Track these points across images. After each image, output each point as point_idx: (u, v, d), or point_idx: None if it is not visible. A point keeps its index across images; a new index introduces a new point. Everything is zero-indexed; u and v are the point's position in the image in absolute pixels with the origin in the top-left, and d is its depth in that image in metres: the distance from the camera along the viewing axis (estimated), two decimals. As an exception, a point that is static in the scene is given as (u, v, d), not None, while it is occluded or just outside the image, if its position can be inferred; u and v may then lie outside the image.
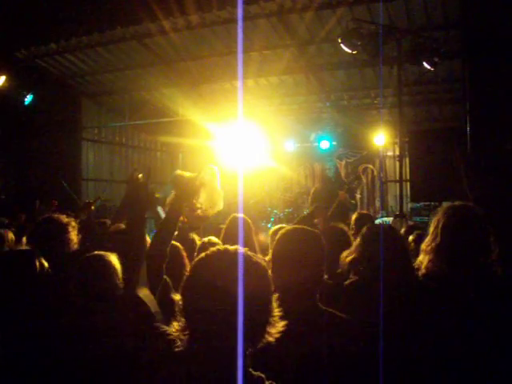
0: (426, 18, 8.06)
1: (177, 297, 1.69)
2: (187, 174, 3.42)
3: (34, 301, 2.53)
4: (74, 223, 3.56)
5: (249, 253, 1.71)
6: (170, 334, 1.74)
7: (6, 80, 8.95)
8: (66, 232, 3.45)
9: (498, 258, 2.66)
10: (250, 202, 12.20)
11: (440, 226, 2.72)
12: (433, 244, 2.71)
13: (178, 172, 4.22)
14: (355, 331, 2.28)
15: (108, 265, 2.73)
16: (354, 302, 2.72)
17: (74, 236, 3.49)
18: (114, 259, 2.78)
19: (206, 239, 4.19)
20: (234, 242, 1.85)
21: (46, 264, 2.75)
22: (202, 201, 4.56)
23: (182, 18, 8.38)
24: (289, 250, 2.37)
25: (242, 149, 10.02)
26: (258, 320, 1.63)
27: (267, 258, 2.69)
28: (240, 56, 8.42)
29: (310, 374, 2.12)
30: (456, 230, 2.67)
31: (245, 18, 8.17)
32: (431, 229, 2.78)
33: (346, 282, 3.03)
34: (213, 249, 1.73)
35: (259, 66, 9.86)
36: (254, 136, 10.77)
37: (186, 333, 1.64)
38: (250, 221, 4.34)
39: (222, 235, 4.36)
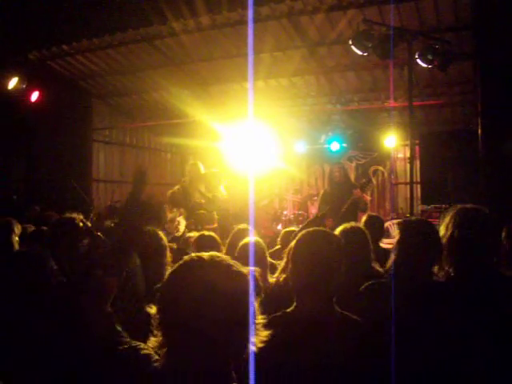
0: (437, 20, 8.03)
1: (152, 310, 1.59)
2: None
3: (45, 303, 2.54)
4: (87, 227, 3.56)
5: (228, 260, 1.60)
6: (144, 349, 1.66)
7: (18, 81, 9.01)
8: (79, 236, 3.46)
9: (507, 258, 2.66)
10: (260, 203, 12.20)
11: (450, 226, 2.72)
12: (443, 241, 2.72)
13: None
14: (369, 335, 2.28)
15: None
16: (371, 305, 2.72)
17: (84, 239, 3.50)
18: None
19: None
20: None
21: (54, 266, 2.77)
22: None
23: (193, 19, 8.41)
24: (307, 252, 2.38)
25: (252, 150, 10.02)
26: (239, 331, 1.52)
27: (283, 261, 2.70)
28: (250, 57, 8.44)
29: (322, 376, 2.13)
30: (465, 231, 2.66)
31: (255, 20, 8.18)
32: (441, 229, 2.78)
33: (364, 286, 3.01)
34: (186, 257, 1.63)
35: (269, 68, 9.87)
36: (264, 137, 10.77)
37: (164, 349, 1.56)
38: (263, 244, 4.14)
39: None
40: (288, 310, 2.38)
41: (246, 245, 4.03)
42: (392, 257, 2.92)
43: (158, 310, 1.56)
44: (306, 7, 7.97)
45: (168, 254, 3.48)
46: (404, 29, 7.26)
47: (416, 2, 7.63)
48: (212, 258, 1.58)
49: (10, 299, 2.59)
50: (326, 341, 2.18)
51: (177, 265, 1.61)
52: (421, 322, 2.52)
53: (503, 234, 3.36)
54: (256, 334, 1.58)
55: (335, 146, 12.28)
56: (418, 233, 2.78)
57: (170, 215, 9.48)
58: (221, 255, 1.62)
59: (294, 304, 2.38)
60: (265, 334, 1.60)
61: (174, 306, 1.51)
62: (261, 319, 1.62)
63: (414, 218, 3.84)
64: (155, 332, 1.56)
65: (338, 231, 3.32)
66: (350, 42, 7.22)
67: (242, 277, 1.58)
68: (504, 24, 6.84)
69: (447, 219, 2.77)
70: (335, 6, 7.84)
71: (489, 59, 7.32)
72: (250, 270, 1.63)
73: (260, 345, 1.58)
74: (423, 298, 2.60)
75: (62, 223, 3.49)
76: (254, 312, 1.59)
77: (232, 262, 1.61)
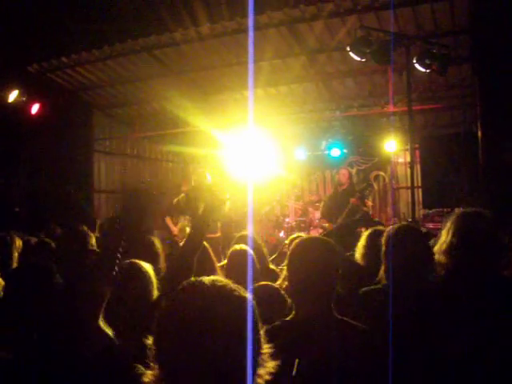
0: (434, 25, 8.06)
1: (149, 340, 1.45)
2: (207, 182, 3.41)
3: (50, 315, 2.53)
4: (93, 241, 3.60)
5: (230, 285, 1.48)
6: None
7: (18, 94, 9.05)
8: (86, 249, 3.49)
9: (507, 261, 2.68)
10: (261, 211, 12.22)
11: (451, 231, 2.74)
12: (444, 246, 2.73)
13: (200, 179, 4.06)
14: (368, 340, 2.29)
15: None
16: (370, 311, 2.74)
17: (92, 251, 3.53)
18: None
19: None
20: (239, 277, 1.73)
21: (59, 280, 2.77)
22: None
23: (193, 28, 8.44)
24: (303, 259, 2.40)
25: (253, 158, 10.04)
26: (241, 363, 1.37)
27: (283, 266, 2.71)
28: (251, 66, 8.46)
29: (322, 382, 2.13)
30: (466, 234, 2.68)
31: (254, 28, 8.22)
32: (443, 234, 2.80)
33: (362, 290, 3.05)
34: (185, 283, 1.51)
35: (269, 76, 9.89)
36: (265, 145, 10.79)
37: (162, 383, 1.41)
38: (251, 252, 4.13)
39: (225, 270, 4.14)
40: (287, 318, 2.39)
41: (235, 252, 4.06)
42: (384, 263, 2.96)
43: (154, 341, 1.43)
44: (304, 15, 8.00)
45: (162, 260, 3.52)
46: (402, 34, 7.31)
47: (413, 8, 7.67)
48: (213, 284, 1.46)
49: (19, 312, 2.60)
50: (325, 347, 2.19)
51: (175, 291, 1.50)
52: (419, 327, 2.53)
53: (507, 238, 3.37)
54: (263, 366, 1.47)
55: (336, 152, 12.28)
56: (408, 239, 2.83)
57: (179, 224, 9.51)
58: (222, 280, 1.51)
59: (293, 312, 2.39)
60: (272, 364, 1.49)
61: (172, 338, 1.40)
62: (267, 349, 1.50)
63: (403, 224, 3.87)
64: (151, 364, 1.42)
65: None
66: (349, 49, 7.26)
67: (245, 304, 1.45)
68: (501, 27, 6.87)
69: (448, 224, 2.79)
70: (333, 13, 7.87)
71: (487, 62, 7.35)
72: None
73: (267, 377, 1.47)
74: (420, 303, 2.62)
75: (70, 237, 3.52)
76: (260, 341, 1.48)
77: (234, 286, 1.49)
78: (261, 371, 1.45)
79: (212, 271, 3.73)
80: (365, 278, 3.28)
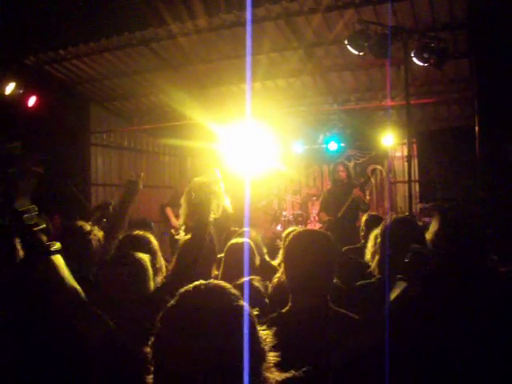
0: (432, 18, 8.05)
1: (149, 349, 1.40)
2: (202, 181, 3.40)
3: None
4: (96, 232, 3.60)
5: (232, 292, 1.44)
6: None
7: (15, 87, 9.01)
8: (89, 242, 3.49)
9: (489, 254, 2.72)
10: (258, 205, 12.23)
11: (435, 223, 2.79)
12: (429, 236, 2.78)
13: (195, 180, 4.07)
14: (365, 331, 2.30)
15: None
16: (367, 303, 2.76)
17: (96, 245, 3.53)
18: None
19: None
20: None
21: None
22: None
23: (190, 21, 8.41)
24: (299, 251, 2.41)
25: (250, 151, 10.03)
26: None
27: (278, 260, 2.72)
28: (248, 59, 8.45)
29: (319, 374, 2.14)
30: (450, 229, 2.71)
31: (252, 22, 8.20)
32: (431, 226, 2.84)
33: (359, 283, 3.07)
34: (182, 290, 1.45)
35: (266, 69, 9.88)
36: (262, 139, 10.79)
37: None
38: (252, 244, 4.15)
39: (221, 266, 4.13)
40: (283, 310, 2.40)
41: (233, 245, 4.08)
42: (379, 255, 2.97)
43: (152, 356, 1.39)
44: (302, 8, 7.98)
45: (159, 256, 3.51)
46: (400, 27, 7.29)
47: (411, 1, 7.65)
48: (212, 287, 1.43)
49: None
50: (321, 338, 2.20)
51: (172, 301, 1.45)
52: (412, 320, 2.55)
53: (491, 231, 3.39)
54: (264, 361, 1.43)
55: (333, 146, 12.29)
56: (400, 232, 2.85)
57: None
58: (221, 284, 1.47)
59: (289, 304, 2.40)
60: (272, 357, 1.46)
61: (168, 352, 1.34)
62: (272, 357, 1.46)
63: (400, 216, 3.87)
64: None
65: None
66: (346, 42, 7.25)
67: (248, 317, 1.39)
68: (499, 21, 6.87)
69: (435, 217, 2.83)
70: (331, 7, 7.85)
71: (484, 57, 7.35)
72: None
73: (272, 373, 1.43)
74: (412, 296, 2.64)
75: (71, 230, 3.53)
76: (265, 353, 1.44)
77: (234, 292, 1.44)
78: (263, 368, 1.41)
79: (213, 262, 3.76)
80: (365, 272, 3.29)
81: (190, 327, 1.32)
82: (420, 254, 2.42)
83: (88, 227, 3.56)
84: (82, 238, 3.47)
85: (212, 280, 1.51)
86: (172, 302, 1.44)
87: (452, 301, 2.53)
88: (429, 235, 2.83)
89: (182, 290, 1.46)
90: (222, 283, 1.49)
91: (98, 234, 3.61)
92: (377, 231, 3.86)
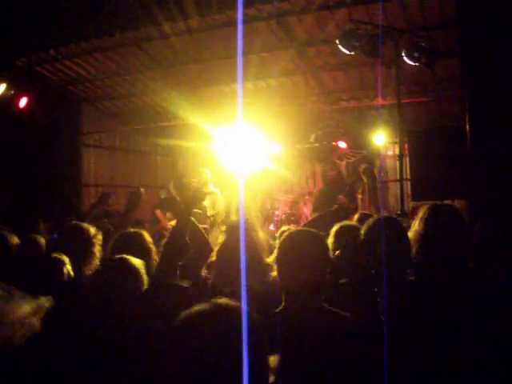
0: (423, 18, 8.08)
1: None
2: (189, 181, 3.50)
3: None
4: (99, 236, 3.61)
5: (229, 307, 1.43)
6: None
7: (6, 88, 8.97)
8: (92, 244, 3.51)
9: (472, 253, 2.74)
10: (251, 204, 12.20)
11: (418, 222, 2.80)
12: (411, 235, 2.80)
13: (180, 178, 4.15)
14: (358, 330, 2.31)
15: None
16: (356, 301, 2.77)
17: (98, 248, 3.54)
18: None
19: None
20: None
21: (72, 273, 2.79)
22: (207, 205, 4.58)
23: (182, 21, 8.40)
24: (292, 251, 2.42)
25: (243, 151, 10.02)
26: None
27: (271, 259, 2.73)
28: (240, 59, 8.44)
29: (313, 373, 2.15)
30: (431, 227, 2.73)
31: (243, 21, 8.18)
32: (413, 225, 2.86)
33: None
34: (196, 308, 1.44)
35: (258, 69, 9.88)
36: (254, 138, 10.77)
37: None
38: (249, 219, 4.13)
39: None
40: (277, 310, 2.40)
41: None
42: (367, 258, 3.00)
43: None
44: (293, 8, 7.99)
45: (154, 254, 3.51)
46: (391, 26, 7.31)
47: (402, 1, 7.67)
48: (233, 309, 1.41)
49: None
50: (314, 338, 2.21)
51: (183, 315, 1.44)
52: (402, 319, 2.57)
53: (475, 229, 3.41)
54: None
55: (325, 146, 12.28)
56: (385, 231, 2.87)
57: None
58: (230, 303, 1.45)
59: (283, 304, 2.40)
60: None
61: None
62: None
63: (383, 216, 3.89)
64: None
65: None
66: (338, 42, 7.27)
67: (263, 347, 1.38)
68: (490, 20, 6.89)
69: (419, 215, 2.84)
70: (322, 6, 7.86)
71: (475, 55, 7.37)
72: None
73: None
74: (399, 297, 2.65)
75: (75, 230, 3.55)
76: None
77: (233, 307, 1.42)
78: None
79: (204, 245, 3.75)
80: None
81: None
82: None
83: (93, 230, 3.58)
84: (86, 240, 3.49)
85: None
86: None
87: (437, 302, 2.55)
88: (411, 234, 2.85)
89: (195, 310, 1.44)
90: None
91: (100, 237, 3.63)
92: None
